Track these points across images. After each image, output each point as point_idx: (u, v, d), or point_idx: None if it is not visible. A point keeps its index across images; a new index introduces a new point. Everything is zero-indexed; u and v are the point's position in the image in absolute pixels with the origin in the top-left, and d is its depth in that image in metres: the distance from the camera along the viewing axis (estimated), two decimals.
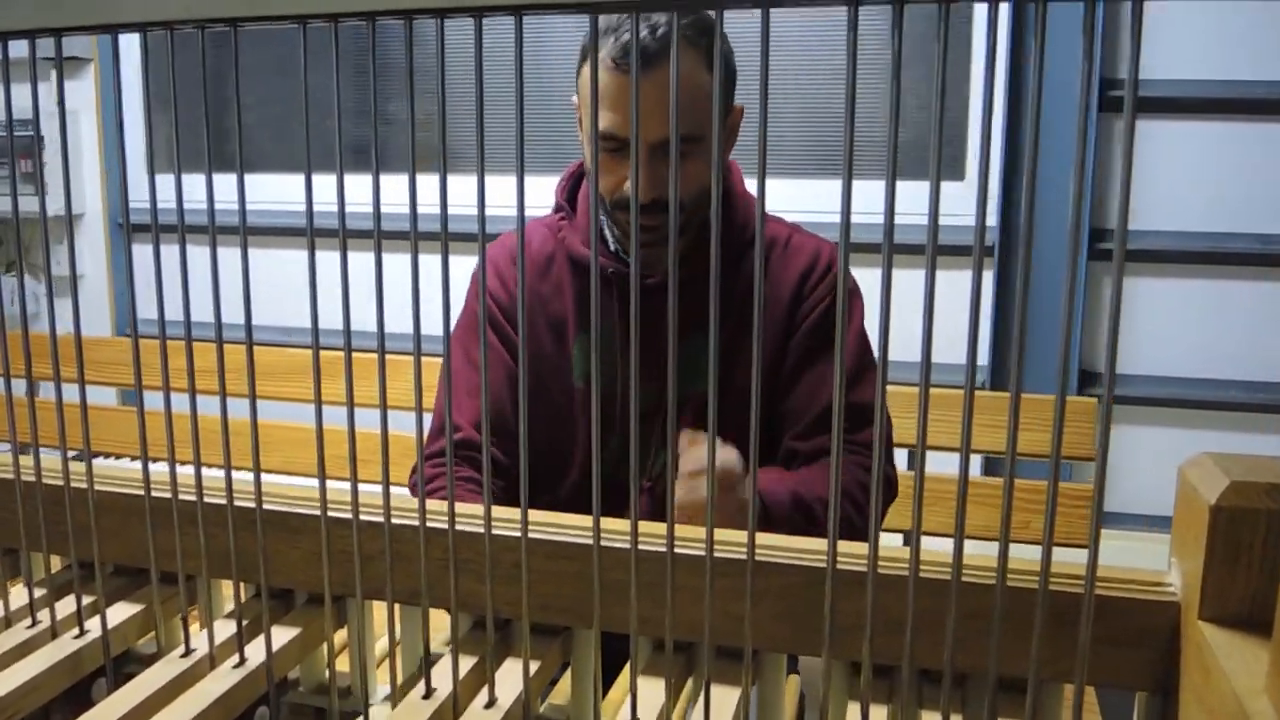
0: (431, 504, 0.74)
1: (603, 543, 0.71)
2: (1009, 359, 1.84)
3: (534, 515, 0.75)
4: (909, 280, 1.89)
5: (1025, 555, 0.65)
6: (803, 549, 0.69)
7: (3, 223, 2.38)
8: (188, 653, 0.76)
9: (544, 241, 1.28)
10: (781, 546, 0.70)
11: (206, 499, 0.74)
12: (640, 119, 1.07)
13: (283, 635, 0.78)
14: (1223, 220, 1.78)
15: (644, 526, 0.72)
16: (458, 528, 0.73)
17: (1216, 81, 1.78)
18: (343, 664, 0.82)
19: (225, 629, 0.77)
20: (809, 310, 1.22)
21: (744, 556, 0.69)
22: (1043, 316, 1.80)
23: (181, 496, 0.75)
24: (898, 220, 1.86)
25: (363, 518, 0.71)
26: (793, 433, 1.21)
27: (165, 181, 2.67)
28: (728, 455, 1.03)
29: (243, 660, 0.74)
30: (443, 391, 1.27)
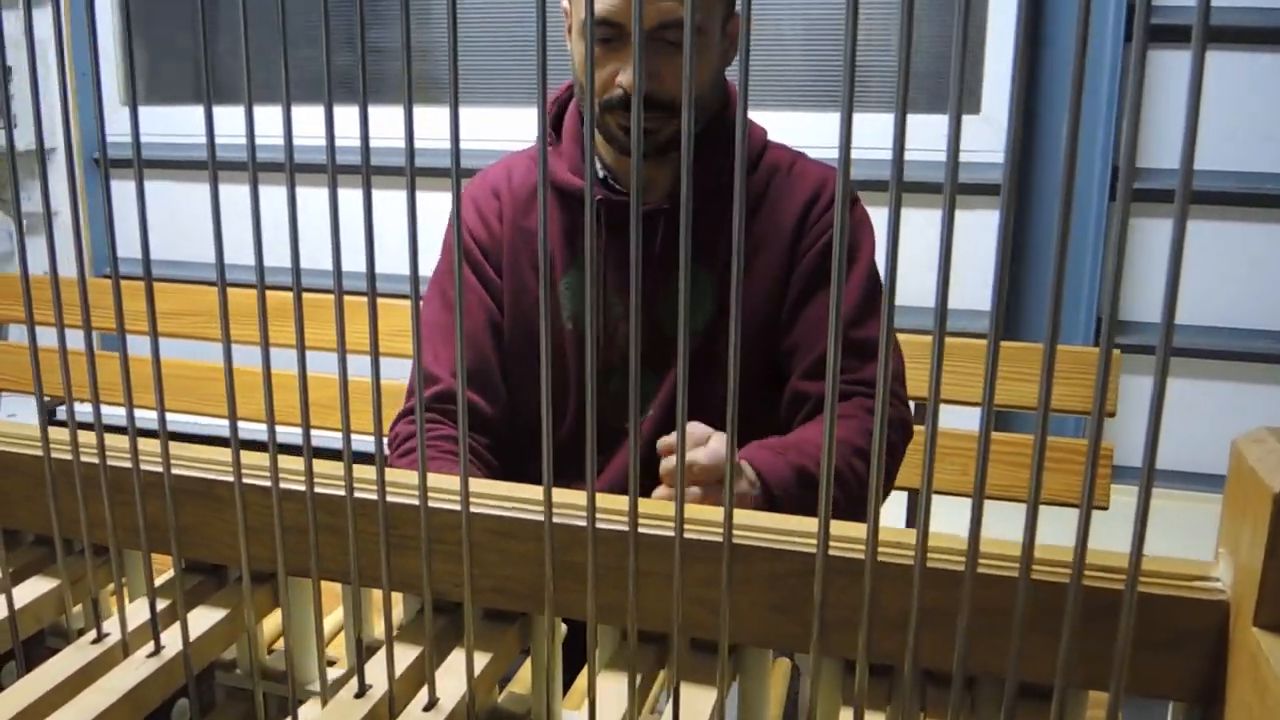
0: (362, 472, 0.65)
1: (564, 520, 0.62)
2: (1024, 305, 1.74)
3: (481, 487, 0.66)
4: (916, 220, 1.78)
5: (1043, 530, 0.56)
6: (795, 531, 0.61)
7: None
8: (99, 638, 0.67)
9: (527, 173, 1.19)
10: (771, 528, 0.61)
11: (123, 463, 0.65)
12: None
13: (210, 616, 0.70)
14: (1268, 159, 1.67)
15: (610, 502, 0.63)
16: (393, 499, 0.65)
17: (1262, 10, 1.65)
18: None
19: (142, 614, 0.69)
20: (813, 241, 1.12)
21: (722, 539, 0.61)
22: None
23: (107, 461, 0.66)
24: (911, 156, 1.72)
25: (286, 487, 0.63)
26: (798, 372, 1.13)
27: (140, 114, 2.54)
28: (714, 446, 0.94)
29: (158, 649, 0.66)
30: (424, 339, 1.17)
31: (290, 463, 0.64)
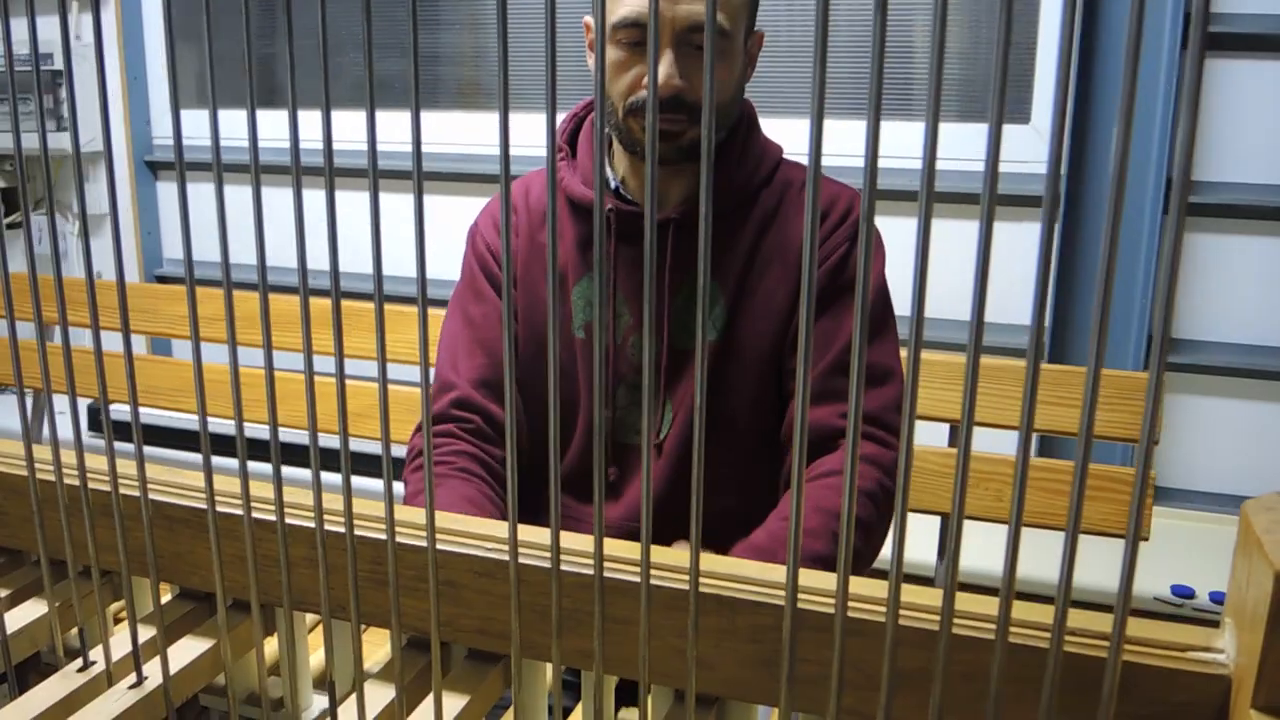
0: (361, 507, 0.64)
1: (535, 562, 0.61)
2: (1074, 325, 1.69)
3: (466, 526, 0.65)
4: (968, 231, 1.74)
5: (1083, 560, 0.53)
6: (779, 583, 0.58)
7: (31, 160, 2.33)
8: (85, 666, 0.67)
9: (544, 189, 1.18)
10: (754, 580, 0.59)
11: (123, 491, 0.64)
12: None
13: (196, 647, 0.69)
14: None
15: (575, 543, 0.62)
16: (371, 534, 0.64)
17: None
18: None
19: (146, 636, 0.68)
20: (822, 257, 1.09)
21: (702, 589, 0.59)
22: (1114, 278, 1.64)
23: (100, 488, 0.66)
24: (950, 165, 1.69)
25: (259, 517, 0.62)
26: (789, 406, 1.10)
27: (188, 118, 2.59)
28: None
29: (140, 680, 0.65)
30: (443, 350, 1.17)
31: (292, 494, 0.64)
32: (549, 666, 0.68)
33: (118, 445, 0.61)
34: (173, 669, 0.66)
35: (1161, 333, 0.41)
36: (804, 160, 1.12)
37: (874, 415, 1.05)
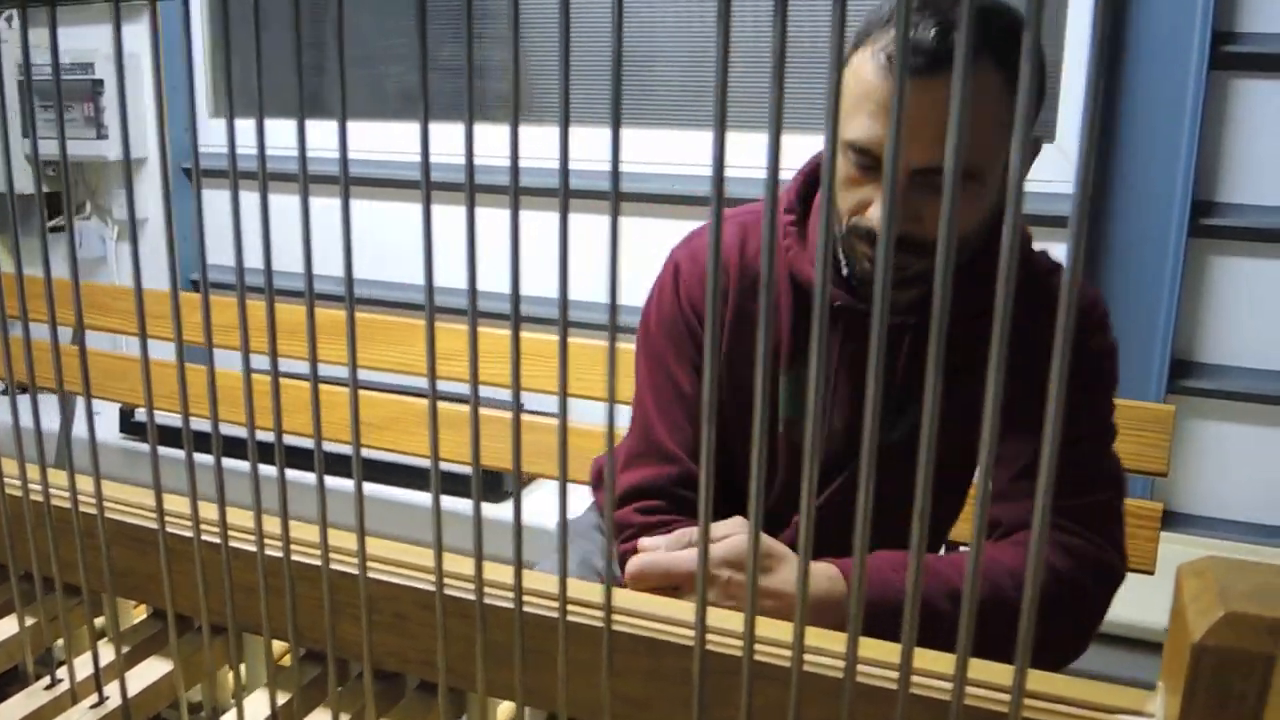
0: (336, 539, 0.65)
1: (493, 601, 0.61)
2: None
3: (417, 558, 0.65)
4: None
5: None
6: (720, 630, 0.58)
7: (76, 166, 2.38)
8: (53, 684, 0.69)
9: (758, 248, 1.04)
10: (692, 624, 0.58)
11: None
12: (907, 135, 0.83)
13: (160, 668, 0.71)
14: None
15: (539, 583, 0.62)
16: (331, 567, 0.64)
17: None
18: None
19: (108, 656, 0.70)
20: (1048, 357, 1.01)
21: (648, 634, 0.59)
22: (1136, 301, 1.61)
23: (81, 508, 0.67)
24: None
25: (234, 544, 0.63)
26: (993, 491, 1.01)
27: (222, 127, 2.64)
28: (729, 542, 0.86)
29: (102, 699, 0.67)
30: (640, 408, 1.07)
31: (269, 524, 0.65)
32: (502, 703, 0.68)
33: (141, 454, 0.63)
34: (135, 689, 0.67)
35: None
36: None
37: (1086, 515, 0.96)
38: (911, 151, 0.87)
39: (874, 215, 0.93)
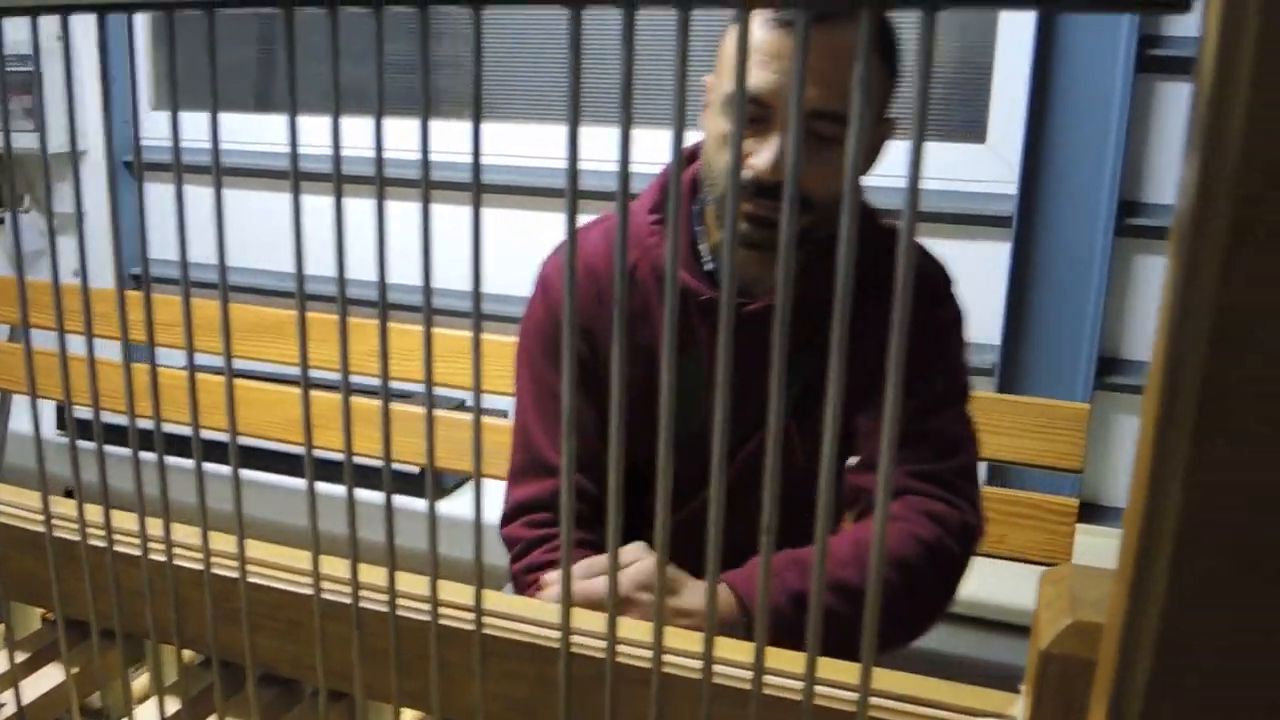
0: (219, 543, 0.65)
1: (366, 605, 0.61)
2: (1026, 350, 1.68)
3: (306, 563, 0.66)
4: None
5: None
6: (590, 631, 0.59)
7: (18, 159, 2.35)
8: None
9: (628, 247, 1.08)
10: (580, 630, 0.59)
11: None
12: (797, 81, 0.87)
13: (56, 675, 0.70)
14: None
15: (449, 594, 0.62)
16: (224, 572, 0.64)
17: None
18: None
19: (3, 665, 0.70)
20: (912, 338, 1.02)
21: (523, 639, 0.59)
22: (1061, 298, 1.63)
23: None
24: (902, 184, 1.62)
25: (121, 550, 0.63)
26: (856, 462, 1.05)
27: (163, 119, 2.60)
28: (642, 560, 0.88)
29: None
30: (522, 424, 1.08)
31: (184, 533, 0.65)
32: (406, 712, 0.69)
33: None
34: (30, 697, 0.67)
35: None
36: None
37: (945, 478, 1.01)
38: (804, 95, 0.89)
39: (756, 163, 0.94)
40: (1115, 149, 1.58)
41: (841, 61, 0.90)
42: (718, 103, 0.99)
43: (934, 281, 1.06)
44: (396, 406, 1.59)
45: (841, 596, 0.90)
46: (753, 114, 0.94)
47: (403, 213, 1.92)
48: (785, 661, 0.55)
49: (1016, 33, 1.64)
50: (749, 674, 0.54)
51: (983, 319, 1.69)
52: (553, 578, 0.90)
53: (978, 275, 1.69)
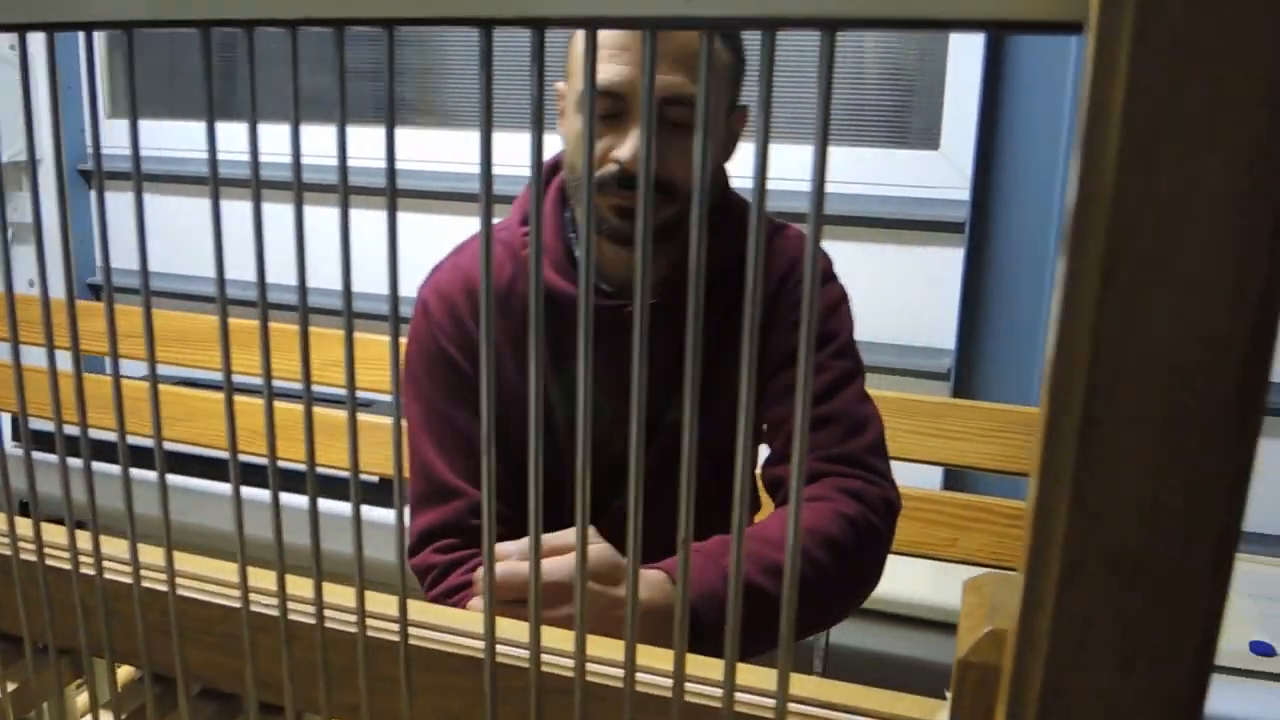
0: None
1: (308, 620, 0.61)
2: (982, 355, 1.70)
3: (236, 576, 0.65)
4: (876, 255, 1.75)
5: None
6: (511, 640, 0.59)
7: None
8: None
9: (501, 262, 1.07)
10: (521, 643, 0.59)
11: None
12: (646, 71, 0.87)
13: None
14: None
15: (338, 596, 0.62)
16: (153, 585, 0.64)
17: None
18: None
19: None
20: (784, 318, 1.05)
21: (458, 651, 0.59)
22: (1015, 303, 1.65)
23: None
24: (870, 191, 1.68)
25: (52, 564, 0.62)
26: (769, 457, 1.07)
27: (119, 128, 2.57)
28: (597, 551, 0.86)
29: None
30: (417, 452, 1.07)
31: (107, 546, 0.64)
32: None
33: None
34: None
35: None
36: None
37: (858, 458, 1.02)
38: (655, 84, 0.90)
39: (618, 155, 0.94)
40: (1066, 155, 1.60)
41: (693, 45, 0.91)
42: (572, 105, 1.00)
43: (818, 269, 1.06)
44: (323, 412, 1.59)
45: (776, 579, 0.90)
46: (609, 109, 0.94)
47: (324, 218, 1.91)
48: (708, 669, 0.55)
49: (969, 40, 1.66)
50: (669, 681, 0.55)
51: (937, 324, 1.71)
52: (504, 549, 0.88)
53: (932, 280, 1.71)
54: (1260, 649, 1.36)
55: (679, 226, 0.99)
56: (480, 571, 0.85)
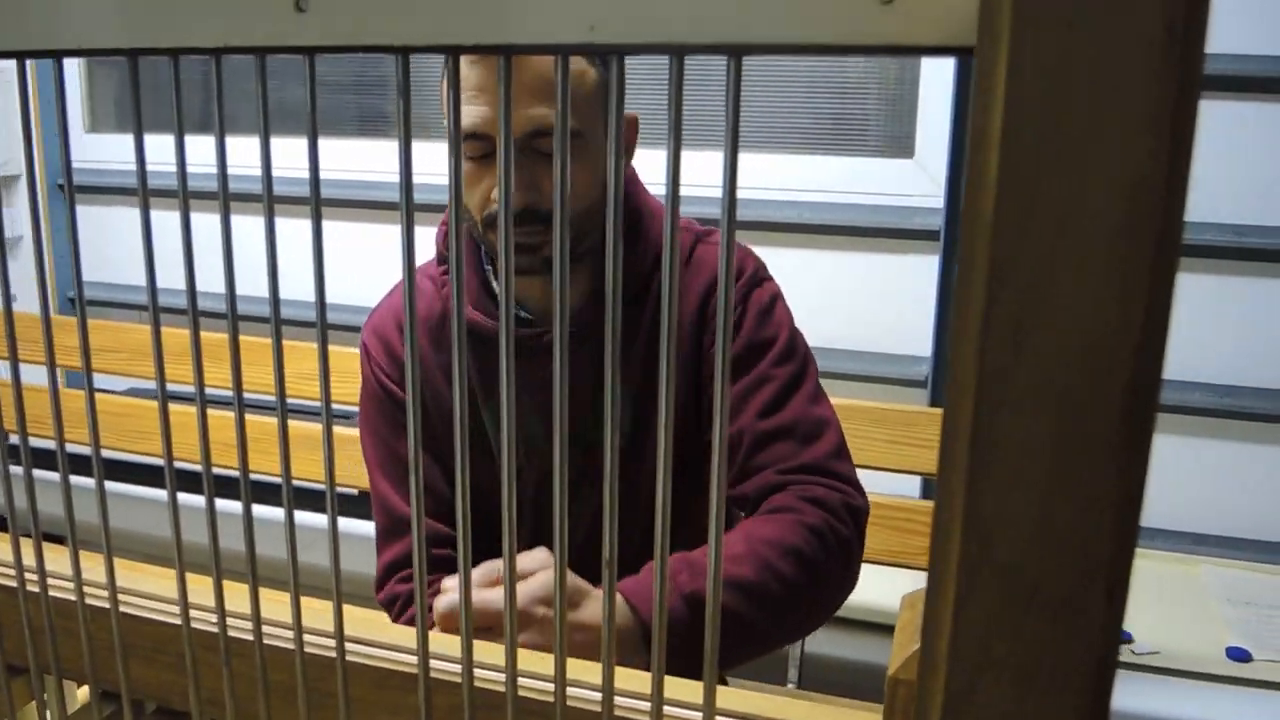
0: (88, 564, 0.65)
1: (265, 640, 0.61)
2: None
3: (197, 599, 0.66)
4: (855, 263, 1.76)
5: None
6: (448, 656, 0.59)
7: None
8: None
9: (430, 300, 1.09)
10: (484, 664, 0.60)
11: None
12: (505, 110, 0.86)
13: None
14: (1262, 212, 1.63)
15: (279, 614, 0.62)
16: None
17: (1263, 57, 1.58)
18: None
19: None
20: (715, 331, 1.03)
21: (407, 669, 0.60)
22: None
23: None
24: (845, 199, 1.67)
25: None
26: (729, 477, 1.04)
27: (100, 142, 2.55)
28: (542, 572, 0.85)
29: None
30: (376, 488, 1.09)
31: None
32: None
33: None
34: None
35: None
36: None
37: (818, 465, 0.99)
38: (516, 121, 0.90)
39: (498, 194, 0.94)
40: None
41: (549, 73, 0.90)
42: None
43: (742, 265, 1.05)
44: (298, 424, 1.59)
45: (740, 595, 0.90)
46: (479, 150, 0.94)
47: (297, 230, 1.92)
48: (636, 683, 0.55)
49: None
50: (598, 694, 0.55)
51: (913, 331, 1.71)
52: (450, 584, 0.88)
53: (908, 288, 1.72)
54: (1236, 654, 1.37)
55: (576, 250, 0.99)
56: (439, 600, 0.85)
